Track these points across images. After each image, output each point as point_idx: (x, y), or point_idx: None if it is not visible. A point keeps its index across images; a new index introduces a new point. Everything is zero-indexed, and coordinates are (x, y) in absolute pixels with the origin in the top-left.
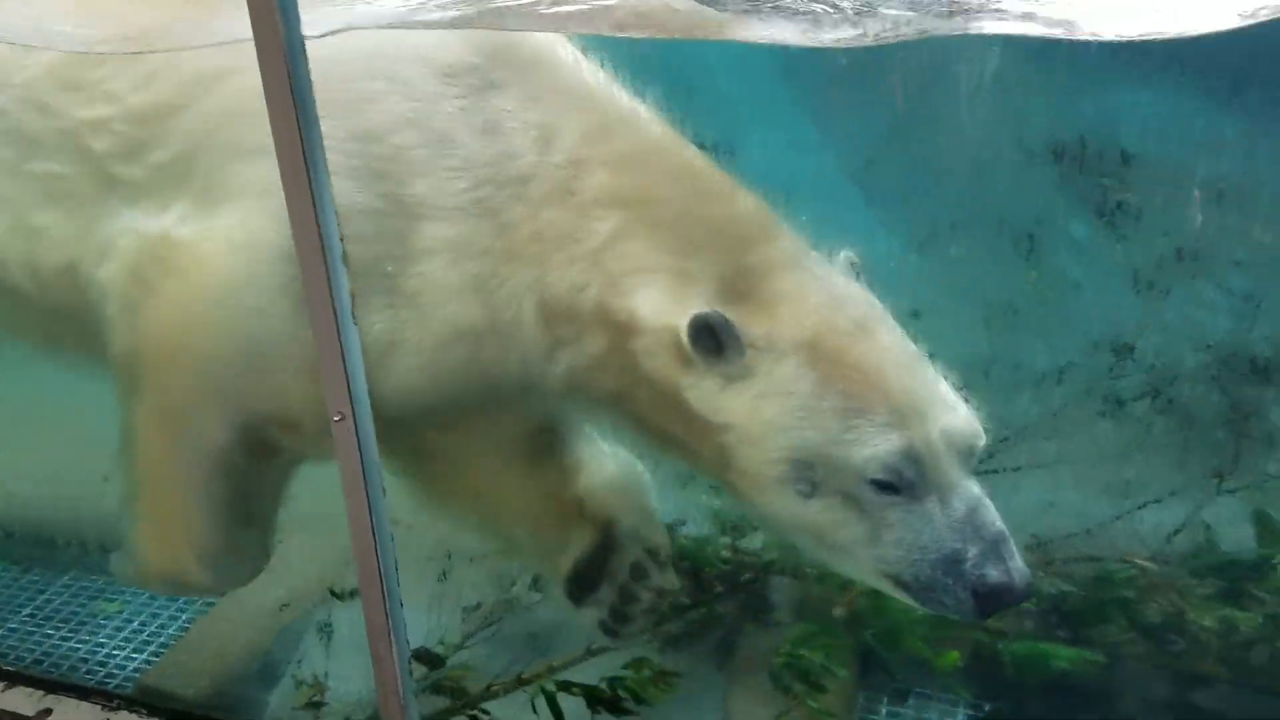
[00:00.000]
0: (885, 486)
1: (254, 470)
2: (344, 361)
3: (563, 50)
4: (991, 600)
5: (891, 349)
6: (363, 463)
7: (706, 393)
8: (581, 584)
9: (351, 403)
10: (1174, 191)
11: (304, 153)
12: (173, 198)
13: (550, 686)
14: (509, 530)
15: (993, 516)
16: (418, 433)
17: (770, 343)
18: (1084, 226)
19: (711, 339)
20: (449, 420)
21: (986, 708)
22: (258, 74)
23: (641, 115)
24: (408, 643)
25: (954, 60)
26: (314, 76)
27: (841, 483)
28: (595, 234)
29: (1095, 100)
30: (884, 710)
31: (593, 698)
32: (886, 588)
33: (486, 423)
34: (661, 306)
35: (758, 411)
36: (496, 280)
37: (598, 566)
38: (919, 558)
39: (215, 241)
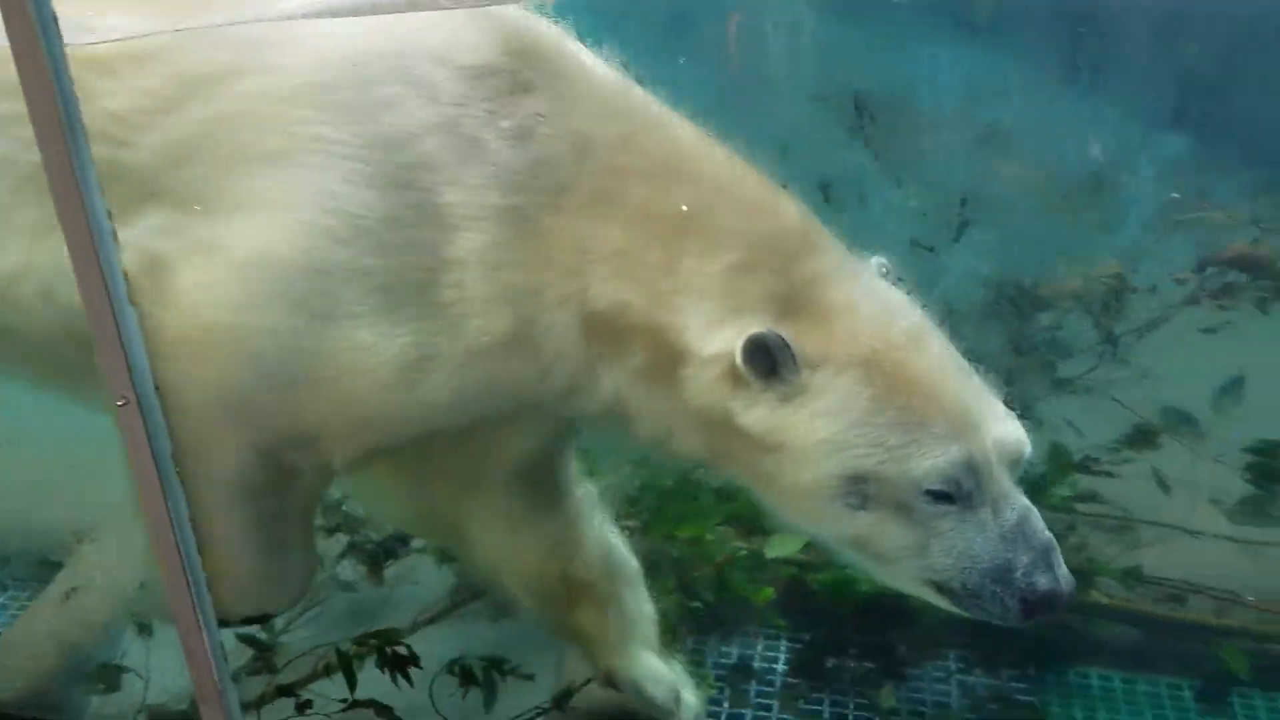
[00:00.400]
0: (941, 497)
1: (278, 494)
2: (122, 344)
3: (584, 52)
4: (1039, 607)
5: (943, 359)
6: (153, 449)
7: (758, 413)
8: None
9: (134, 387)
10: (959, 140)
11: (65, 135)
12: (162, 212)
13: (347, 647)
14: (498, 579)
15: (1041, 525)
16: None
17: (826, 360)
18: (876, 176)
19: (766, 359)
20: (466, 439)
21: (807, 638)
22: (265, 76)
23: (674, 121)
24: (218, 630)
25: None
26: (329, 79)
27: (895, 495)
28: (639, 248)
29: (889, 54)
30: (713, 651)
31: (385, 656)
32: (927, 594)
33: (492, 456)
34: (713, 326)
35: (812, 431)
36: (533, 293)
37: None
38: (969, 566)
39: (216, 262)
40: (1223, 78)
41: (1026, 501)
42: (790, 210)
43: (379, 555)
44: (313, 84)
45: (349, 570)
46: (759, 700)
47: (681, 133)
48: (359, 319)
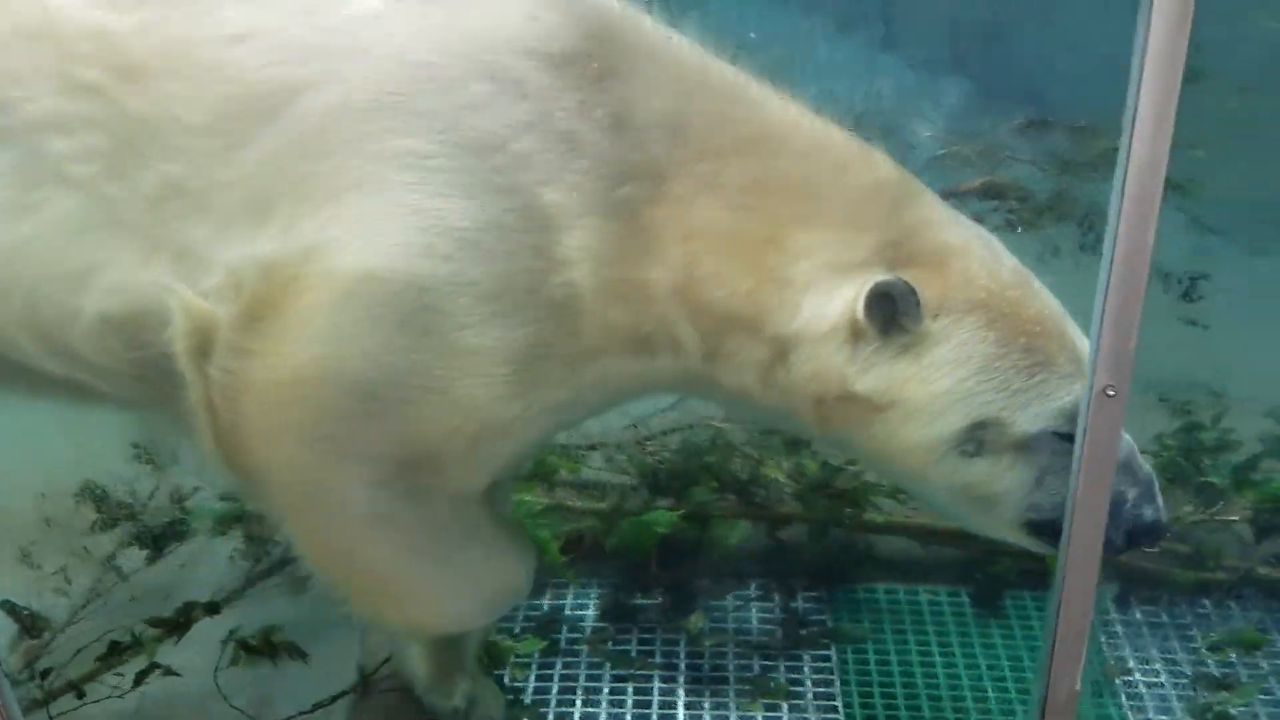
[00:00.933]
0: (1066, 436)
1: (420, 516)
2: None
3: (661, 28)
4: (1144, 537)
5: (1049, 298)
6: None
7: (876, 373)
8: None
9: None
10: None
11: None
12: (256, 226)
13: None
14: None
15: (1141, 460)
16: None
17: (944, 306)
18: None
19: (887, 309)
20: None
21: (612, 583)
22: (338, 89)
23: (757, 90)
24: None
25: None
26: (408, 84)
27: (1015, 438)
28: (743, 226)
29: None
30: (523, 606)
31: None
32: (1020, 536)
33: None
34: (826, 291)
35: (934, 382)
36: (642, 285)
37: None
38: None
39: (311, 294)
40: (999, 24)
41: (1128, 437)
42: (883, 162)
43: (160, 540)
44: (392, 94)
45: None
46: (568, 648)
47: (767, 101)
48: (469, 328)
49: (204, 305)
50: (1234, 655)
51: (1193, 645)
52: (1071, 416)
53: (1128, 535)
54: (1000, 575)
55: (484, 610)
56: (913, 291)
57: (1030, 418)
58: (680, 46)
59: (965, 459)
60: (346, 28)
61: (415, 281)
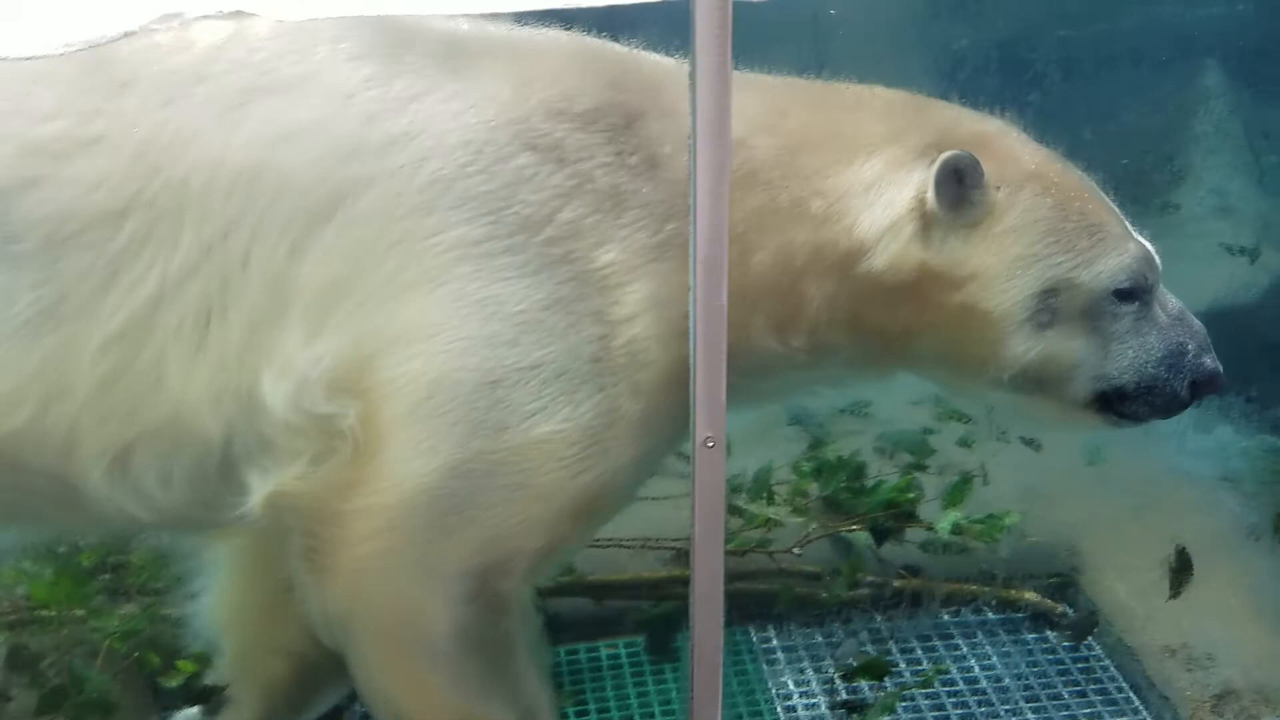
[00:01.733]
0: (1126, 295)
1: (498, 629)
2: None
3: (658, 57)
4: (1207, 387)
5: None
6: None
7: (950, 247)
8: None
9: None
10: None
11: None
12: (314, 335)
13: None
14: None
15: (1191, 315)
16: None
17: (1001, 179)
18: None
19: (954, 185)
20: None
21: None
22: (383, 188)
23: (749, 78)
24: None
25: None
26: (453, 168)
27: (1084, 302)
28: (791, 195)
29: None
30: None
31: None
32: (1089, 414)
33: None
34: (894, 187)
35: (1007, 249)
36: None
37: None
38: (1145, 359)
39: (384, 410)
40: None
41: (1174, 298)
42: (885, 89)
43: None
44: (436, 183)
45: None
46: None
47: (761, 84)
48: (538, 414)
49: (282, 488)
50: (865, 684)
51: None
52: (1131, 272)
53: (1192, 386)
54: (670, 618)
55: None
56: (976, 162)
57: (1095, 276)
58: (666, 64)
59: (1039, 331)
60: (384, 115)
61: (486, 377)
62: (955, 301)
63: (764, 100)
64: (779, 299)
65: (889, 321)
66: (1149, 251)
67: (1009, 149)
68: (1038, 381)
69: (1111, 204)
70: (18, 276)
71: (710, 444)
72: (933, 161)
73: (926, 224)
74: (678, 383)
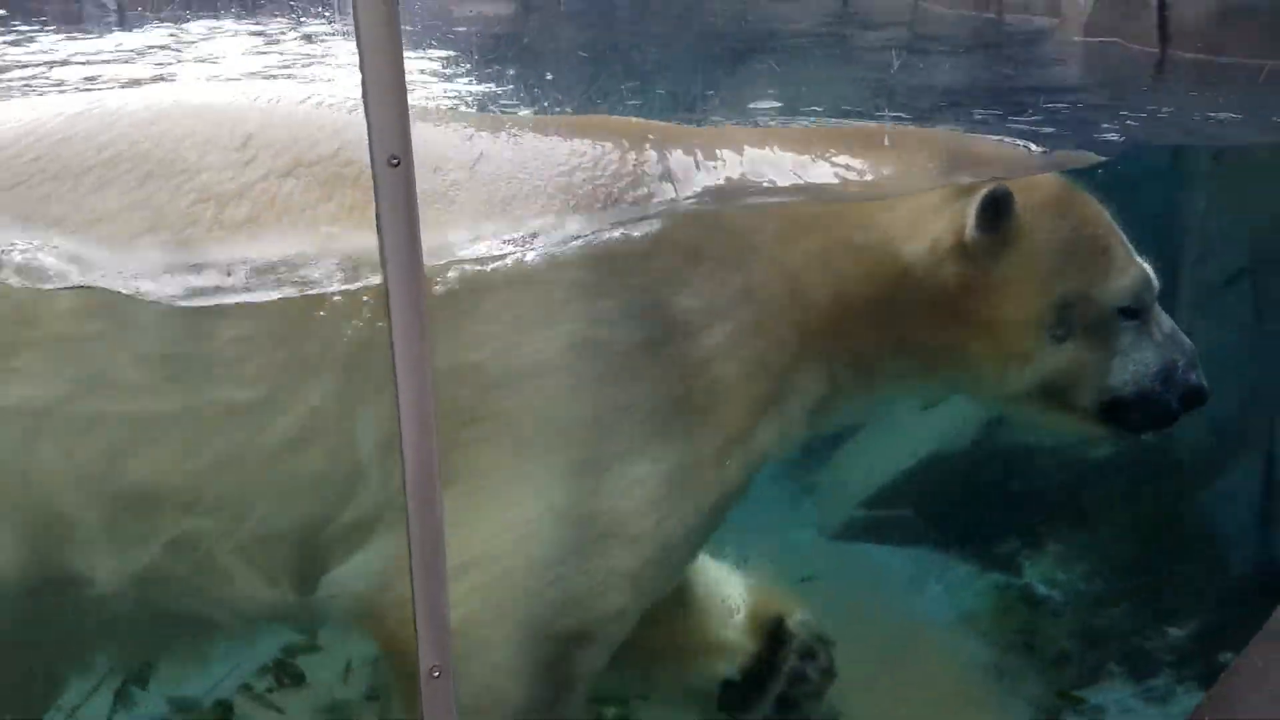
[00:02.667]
0: (1130, 313)
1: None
2: None
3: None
4: (1193, 401)
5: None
6: None
7: (983, 266)
8: (750, 687)
9: None
10: None
11: None
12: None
13: None
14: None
15: (1182, 334)
16: None
17: (1026, 203)
18: None
19: (993, 215)
20: None
21: None
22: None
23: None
24: None
25: None
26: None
27: (1095, 317)
28: (839, 222)
29: None
30: None
31: None
32: (1092, 424)
33: None
34: (931, 219)
35: (1030, 266)
36: (778, 340)
37: (767, 664)
38: (1144, 373)
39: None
40: None
41: (1165, 315)
42: (914, 129)
43: None
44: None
45: None
46: None
47: (821, 137)
48: (630, 454)
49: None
50: None
51: None
52: (1135, 292)
53: (1181, 399)
54: None
55: None
56: (1010, 195)
57: (1105, 293)
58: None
59: (1056, 344)
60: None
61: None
62: (986, 314)
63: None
64: (834, 330)
65: (929, 338)
66: (1149, 273)
67: (1028, 180)
68: (1051, 392)
69: (1117, 227)
70: None
71: (436, 674)
72: (970, 192)
73: (964, 247)
74: (752, 425)
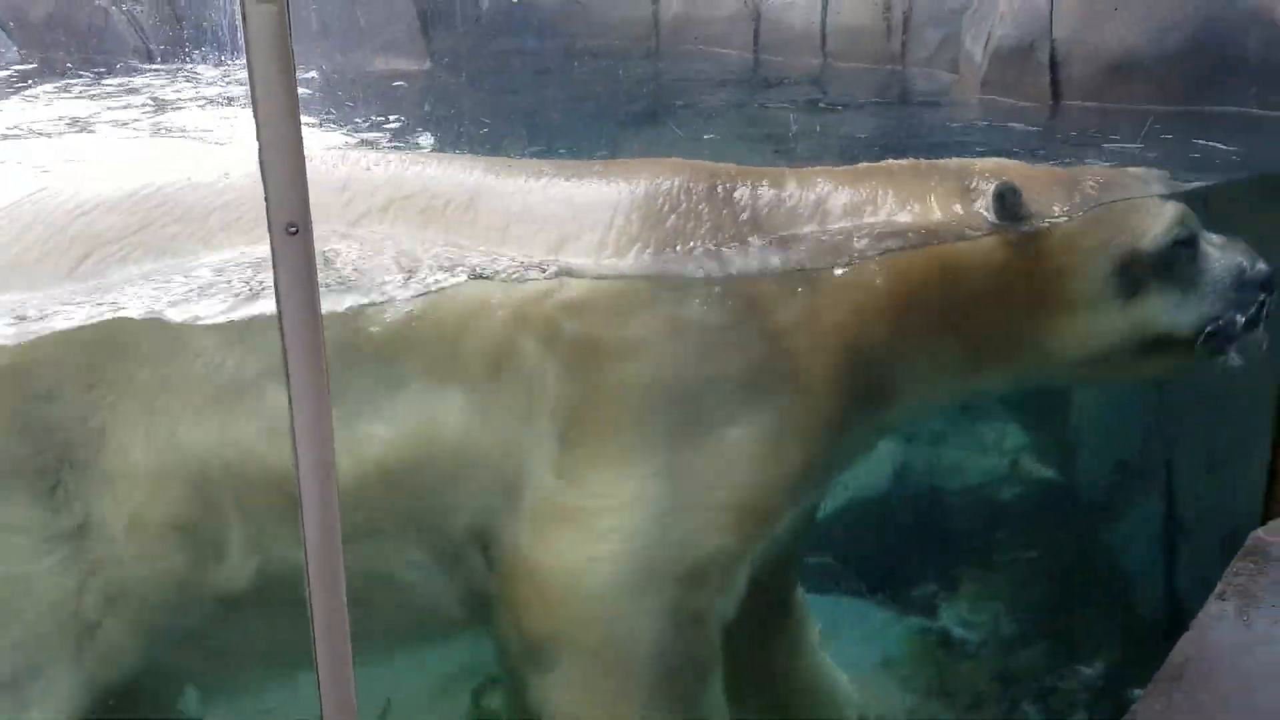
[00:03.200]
0: (1186, 243)
1: (698, 652)
2: None
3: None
4: (1272, 284)
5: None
6: None
7: (1029, 253)
8: None
9: None
10: None
11: None
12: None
13: None
14: None
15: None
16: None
17: (1032, 194)
18: None
19: (1006, 205)
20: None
21: None
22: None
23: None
24: None
25: None
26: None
27: (1154, 263)
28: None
29: None
30: None
31: None
32: (1191, 355)
33: None
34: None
35: (1074, 245)
36: (846, 319)
37: None
38: (1225, 287)
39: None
40: None
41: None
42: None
43: None
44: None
45: None
46: None
47: (863, 176)
48: (726, 421)
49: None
50: None
51: None
52: (1180, 225)
53: (1263, 288)
54: None
55: None
56: (1013, 186)
57: (1153, 240)
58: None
59: (1124, 303)
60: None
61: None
62: (1051, 294)
63: (857, 184)
64: (901, 328)
65: (1011, 327)
66: (1182, 206)
67: (1020, 170)
68: (1148, 345)
69: (1125, 169)
70: None
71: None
72: (983, 194)
73: (1001, 237)
74: (835, 388)
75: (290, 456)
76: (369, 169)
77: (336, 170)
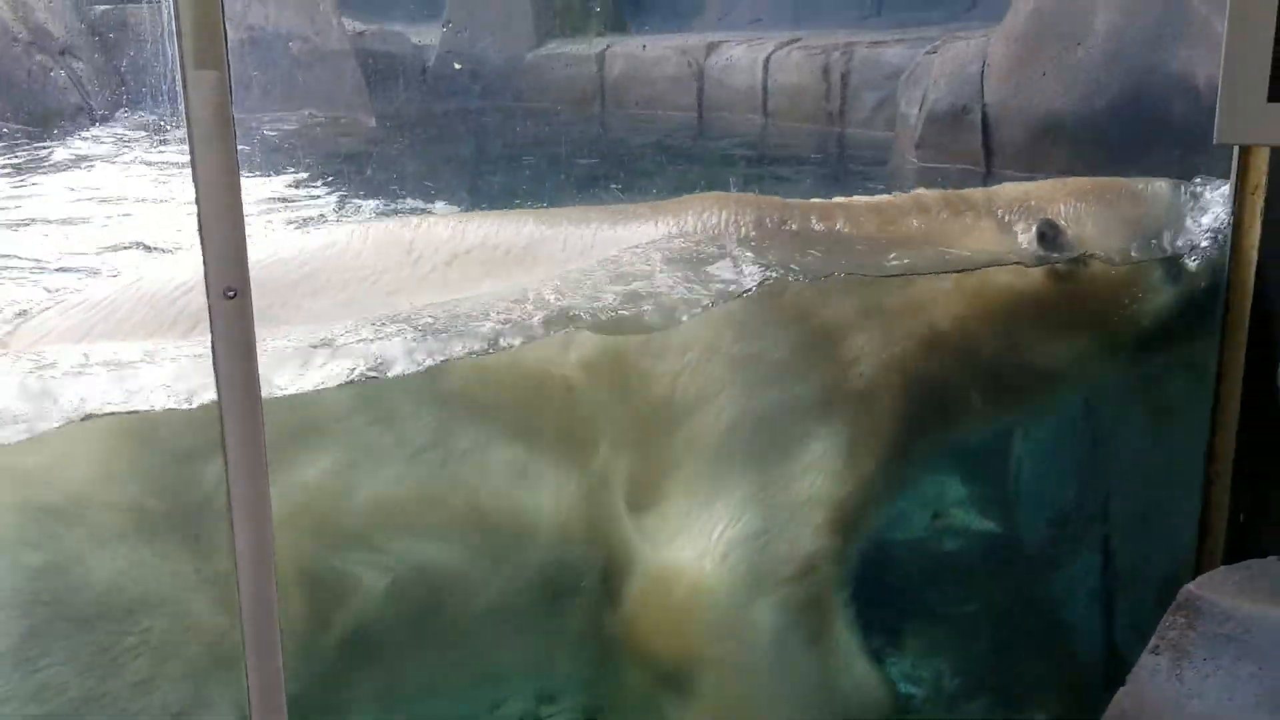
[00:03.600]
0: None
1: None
2: None
3: None
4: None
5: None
6: None
7: (1080, 276)
8: None
9: None
10: None
11: None
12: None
13: None
14: None
15: None
16: None
17: (1060, 216)
18: None
19: (1047, 240)
20: None
21: None
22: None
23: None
24: None
25: None
26: None
27: (1191, 243)
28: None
29: None
30: None
31: None
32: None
33: None
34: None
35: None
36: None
37: None
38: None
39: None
40: None
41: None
42: (923, 194)
43: None
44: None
45: None
46: None
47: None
48: (809, 435)
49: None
50: None
51: None
52: (1172, 201)
53: None
54: None
55: None
56: (1051, 221)
57: (1185, 234)
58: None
59: (1174, 283)
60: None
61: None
62: (1117, 311)
63: (900, 218)
64: (962, 350)
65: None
66: (1164, 183)
67: (1038, 191)
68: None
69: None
70: None
71: None
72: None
73: (1049, 267)
74: (901, 406)
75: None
76: (430, 229)
77: (402, 233)
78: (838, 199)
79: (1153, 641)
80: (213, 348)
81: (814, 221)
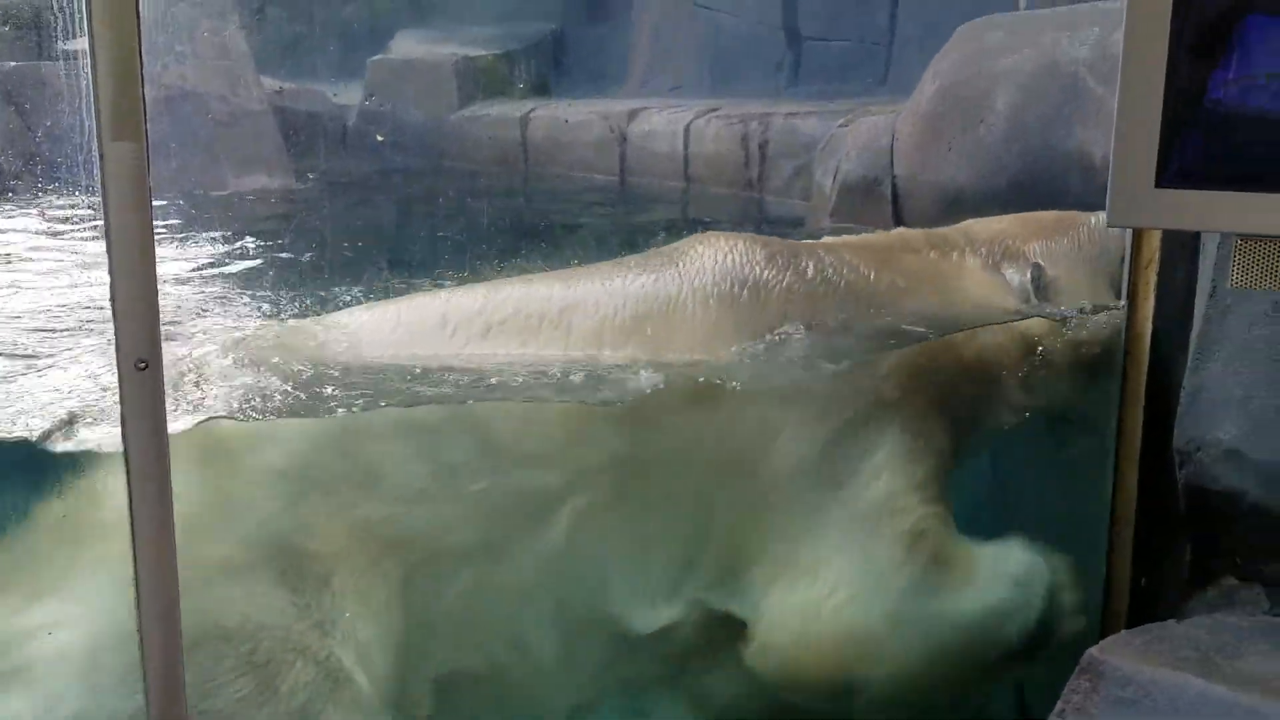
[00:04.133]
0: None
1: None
2: None
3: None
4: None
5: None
6: None
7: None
8: None
9: None
10: None
11: None
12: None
13: None
14: None
15: None
16: None
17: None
18: None
19: (1037, 281)
20: None
21: None
22: None
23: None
24: None
25: None
26: None
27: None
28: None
29: None
30: None
31: None
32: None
33: None
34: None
35: (1091, 278)
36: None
37: None
38: None
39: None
40: None
41: None
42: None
43: None
44: None
45: None
46: None
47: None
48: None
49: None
50: None
51: None
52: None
53: None
54: None
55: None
56: (1037, 264)
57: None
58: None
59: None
60: None
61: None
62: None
63: (891, 260)
64: (984, 378)
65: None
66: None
67: (1008, 229)
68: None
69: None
70: None
71: None
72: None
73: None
74: (939, 419)
75: None
76: (460, 301)
77: (431, 305)
78: (826, 238)
79: (1059, 705)
80: (122, 419)
81: (825, 260)
